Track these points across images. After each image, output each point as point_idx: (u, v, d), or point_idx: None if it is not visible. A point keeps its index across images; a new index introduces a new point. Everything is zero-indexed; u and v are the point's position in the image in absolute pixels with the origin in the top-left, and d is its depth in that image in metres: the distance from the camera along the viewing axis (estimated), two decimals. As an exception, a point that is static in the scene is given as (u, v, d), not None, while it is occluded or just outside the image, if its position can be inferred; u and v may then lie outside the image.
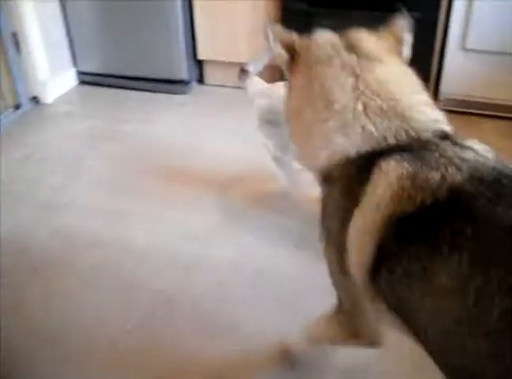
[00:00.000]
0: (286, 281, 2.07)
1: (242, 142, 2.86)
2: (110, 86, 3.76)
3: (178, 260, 2.22)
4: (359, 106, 1.12)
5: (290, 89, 1.29)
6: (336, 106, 1.14)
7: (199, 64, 3.70)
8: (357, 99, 1.13)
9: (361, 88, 1.13)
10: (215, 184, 2.64)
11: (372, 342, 1.33)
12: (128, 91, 3.70)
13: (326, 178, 1.18)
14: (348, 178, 1.11)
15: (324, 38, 1.25)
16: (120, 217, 2.50)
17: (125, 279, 2.14)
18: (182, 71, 3.59)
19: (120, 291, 2.08)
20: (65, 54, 3.78)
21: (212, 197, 2.56)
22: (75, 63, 3.84)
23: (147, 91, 3.67)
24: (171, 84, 3.65)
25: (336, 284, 1.27)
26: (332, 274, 1.26)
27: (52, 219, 2.52)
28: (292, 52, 1.27)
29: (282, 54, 1.27)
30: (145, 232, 2.39)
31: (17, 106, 3.54)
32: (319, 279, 1.36)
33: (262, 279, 2.09)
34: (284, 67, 1.30)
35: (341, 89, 1.14)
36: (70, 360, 1.81)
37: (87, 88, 3.84)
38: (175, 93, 3.63)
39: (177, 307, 2.00)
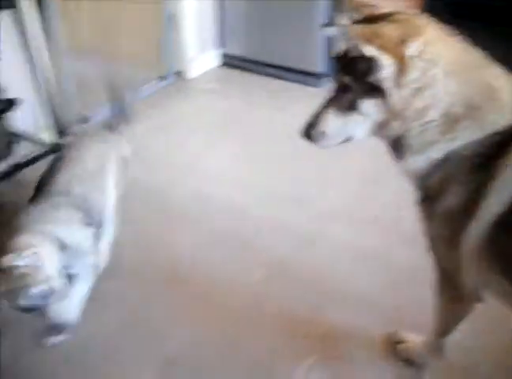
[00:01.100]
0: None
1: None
2: (249, 70, 4.00)
3: (295, 234, 2.39)
4: None
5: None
6: None
7: (335, 59, 3.83)
8: None
9: None
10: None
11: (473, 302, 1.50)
12: (265, 77, 3.92)
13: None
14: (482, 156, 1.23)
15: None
16: (249, 188, 2.72)
17: (246, 242, 2.35)
18: (318, 64, 3.75)
19: (242, 252, 2.30)
20: (214, 36, 4.06)
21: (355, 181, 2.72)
22: (221, 45, 4.12)
23: (282, 79, 3.86)
24: (305, 76, 3.82)
25: (441, 257, 1.43)
26: (438, 249, 1.41)
27: (188, 182, 2.78)
28: None
29: None
30: (264, 204, 2.59)
31: (162, 78, 3.86)
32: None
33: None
34: None
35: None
36: (194, 299, 2.05)
37: (228, 69, 4.10)
38: (309, 85, 3.79)
39: (292, 274, 2.17)
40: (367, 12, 1.34)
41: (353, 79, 1.29)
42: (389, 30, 1.23)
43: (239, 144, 3.13)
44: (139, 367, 1.84)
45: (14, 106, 2.40)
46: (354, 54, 1.24)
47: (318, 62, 3.75)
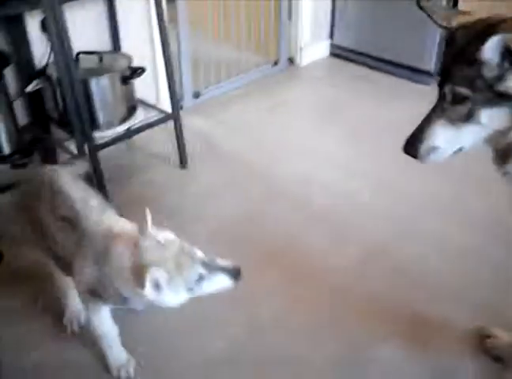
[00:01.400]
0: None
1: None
2: (357, 62, 4.06)
3: (394, 221, 2.46)
4: None
5: None
6: None
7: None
8: None
9: None
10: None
11: None
12: (373, 70, 3.96)
13: None
14: None
15: None
16: (352, 173, 2.82)
17: (343, 224, 2.45)
18: (429, 62, 3.75)
19: (338, 234, 2.40)
20: (325, 26, 4.15)
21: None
22: (331, 36, 4.20)
23: (390, 74, 3.89)
24: (414, 72, 3.83)
25: None
26: None
27: (292, 161, 2.93)
28: None
29: None
30: (366, 191, 2.68)
31: (276, 63, 4.02)
32: None
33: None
34: None
35: None
36: (288, 273, 2.19)
37: (337, 60, 4.19)
38: (417, 82, 3.80)
39: (386, 259, 2.25)
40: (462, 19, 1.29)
41: (473, 87, 1.21)
42: None
43: (344, 130, 3.21)
44: (227, 331, 1.97)
45: (139, 74, 2.61)
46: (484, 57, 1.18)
47: (429, 59, 3.74)
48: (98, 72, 2.54)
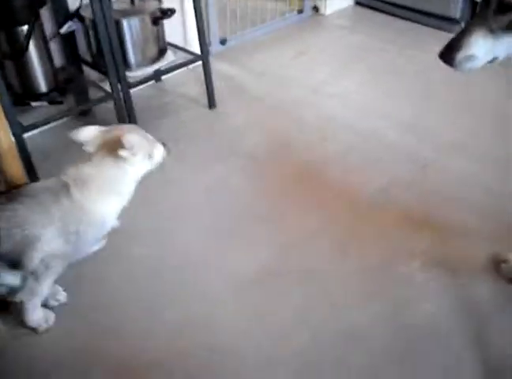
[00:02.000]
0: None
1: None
2: (381, 11, 4.07)
3: (416, 159, 2.53)
4: None
5: None
6: None
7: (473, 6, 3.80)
8: None
9: None
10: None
11: None
12: (397, 18, 3.97)
13: None
14: None
15: None
16: (372, 114, 2.89)
17: (366, 159, 2.53)
18: (456, 9, 3.74)
19: (363, 167, 2.48)
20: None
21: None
22: (356, -16, 4.20)
23: (414, 21, 3.89)
24: (439, 20, 3.82)
25: None
26: None
27: (315, 102, 2.99)
28: None
29: None
30: (387, 130, 2.73)
31: (301, 11, 4.04)
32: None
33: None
34: None
35: None
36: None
37: (360, 8, 4.20)
38: (442, 29, 3.80)
39: (410, 187, 2.33)
40: None
41: None
42: None
43: (366, 74, 3.27)
44: (256, 248, 2.08)
45: (169, 15, 2.67)
46: None
47: (455, 6, 3.73)
48: (130, 13, 2.60)
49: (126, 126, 1.85)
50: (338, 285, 1.91)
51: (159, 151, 1.80)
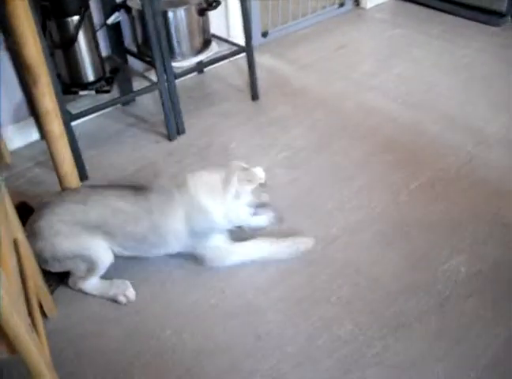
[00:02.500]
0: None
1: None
2: (424, 5, 4.02)
3: (458, 153, 2.50)
4: None
5: None
6: None
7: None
8: None
9: None
10: None
11: None
12: (440, 12, 3.92)
13: None
14: None
15: None
16: (415, 106, 2.86)
17: (409, 152, 2.51)
18: (502, 3, 3.67)
19: (404, 162, 2.47)
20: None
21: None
22: (399, -22, 4.16)
23: (458, 15, 3.84)
24: (484, 14, 3.76)
25: None
26: None
27: (357, 96, 2.97)
28: None
29: None
30: (429, 122, 2.70)
31: (341, 5, 4.02)
32: None
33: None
34: None
35: None
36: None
37: (401, 2, 4.15)
38: (487, 24, 3.73)
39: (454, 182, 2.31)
40: None
41: None
42: None
43: (409, 68, 3.24)
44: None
45: (215, 7, 2.69)
46: None
47: (500, 0, 3.67)
48: (176, 4, 2.63)
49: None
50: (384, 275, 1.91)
51: (267, 217, 2.05)
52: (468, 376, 1.57)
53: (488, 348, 1.64)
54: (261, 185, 1.89)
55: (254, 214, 1.94)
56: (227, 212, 1.86)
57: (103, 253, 1.83)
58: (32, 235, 1.77)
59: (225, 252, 1.93)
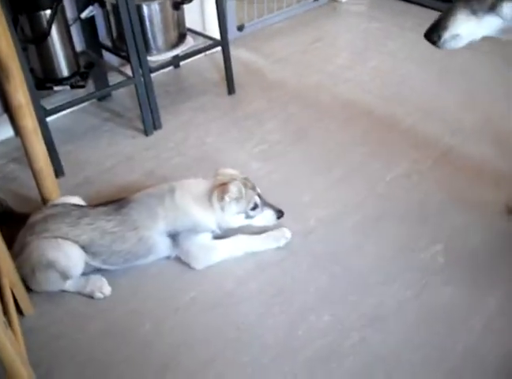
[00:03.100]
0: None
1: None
2: (400, -1, 4.06)
3: (435, 146, 2.52)
4: None
5: None
6: None
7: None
8: None
9: None
10: None
11: None
12: (414, 5, 3.95)
13: None
14: None
15: None
16: (387, 100, 2.88)
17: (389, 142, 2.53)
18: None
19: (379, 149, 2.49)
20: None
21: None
22: (374, -29, 4.17)
23: (432, 8, 3.85)
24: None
25: None
26: None
27: (334, 87, 3.00)
28: None
29: None
30: (407, 114, 2.73)
31: (317, -1, 4.04)
32: None
33: None
34: None
35: None
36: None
37: (378, -4, 4.18)
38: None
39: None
40: None
41: None
42: None
43: (384, 61, 3.27)
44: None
45: (190, 0, 2.67)
46: None
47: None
48: (150, -3, 2.61)
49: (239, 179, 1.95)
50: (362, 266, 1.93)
51: (264, 215, 1.98)
52: (443, 365, 1.59)
53: (465, 337, 1.66)
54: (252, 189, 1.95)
55: (255, 215, 1.97)
56: (218, 221, 1.93)
57: (79, 262, 1.83)
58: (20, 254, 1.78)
59: (208, 250, 1.94)
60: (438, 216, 2.11)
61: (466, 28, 1.42)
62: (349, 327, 1.71)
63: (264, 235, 1.99)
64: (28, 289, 1.80)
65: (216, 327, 1.73)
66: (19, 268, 1.74)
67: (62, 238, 1.78)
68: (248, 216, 1.95)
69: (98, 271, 1.89)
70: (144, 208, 1.88)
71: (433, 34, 1.46)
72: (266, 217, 2.00)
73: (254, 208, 1.94)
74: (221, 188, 1.89)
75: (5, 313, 1.41)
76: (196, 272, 1.92)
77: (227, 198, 1.87)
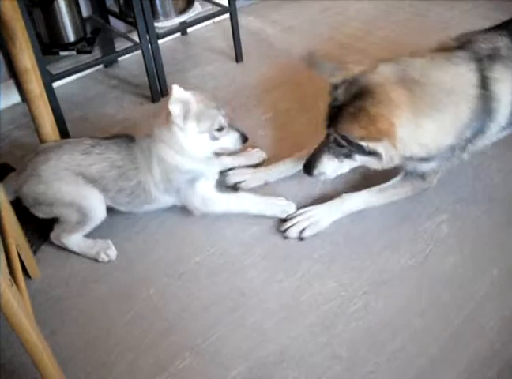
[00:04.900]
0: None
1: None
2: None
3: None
4: None
5: None
6: None
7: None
8: None
9: None
10: None
11: None
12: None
13: None
14: None
15: None
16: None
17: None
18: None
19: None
20: None
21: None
22: None
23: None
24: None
25: None
26: None
27: (342, 57, 2.94)
28: None
29: None
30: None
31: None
32: None
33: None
34: None
35: None
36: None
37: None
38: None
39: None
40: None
41: (349, 144, 1.71)
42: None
43: (392, 30, 3.23)
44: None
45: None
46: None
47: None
48: (158, -39, 2.58)
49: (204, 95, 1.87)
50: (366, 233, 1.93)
51: (230, 138, 1.90)
52: (445, 330, 1.60)
53: (466, 305, 1.67)
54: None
55: (220, 137, 1.88)
56: (184, 151, 1.85)
57: (99, 207, 1.86)
58: (32, 176, 1.79)
59: (211, 200, 1.93)
60: (443, 186, 2.09)
61: (329, 168, 1.85)
62: (353, 293, 1.72)
63: (269, 201, 1.98)
64: (32, 248, 1.82)
65: (221, 292, 1.74)
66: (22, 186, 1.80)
67: (71, 170, 1.80)
68: (213, 137, 1.85)
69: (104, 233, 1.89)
70: (144, 150, 1.87)
71: (308, 170, 1.87)
72: (231, 140, 1.91)
73: (220, 129, 1.85)
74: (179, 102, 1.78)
75: (11, 273, 1.41)
76: (201, 237, 1.93)
77: (173, 115, 1.76)
